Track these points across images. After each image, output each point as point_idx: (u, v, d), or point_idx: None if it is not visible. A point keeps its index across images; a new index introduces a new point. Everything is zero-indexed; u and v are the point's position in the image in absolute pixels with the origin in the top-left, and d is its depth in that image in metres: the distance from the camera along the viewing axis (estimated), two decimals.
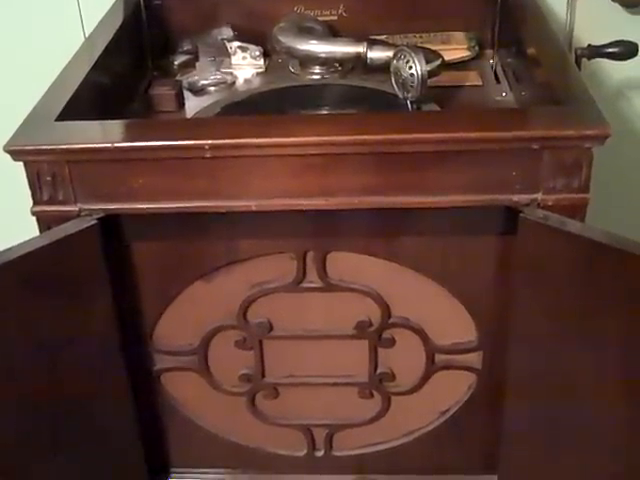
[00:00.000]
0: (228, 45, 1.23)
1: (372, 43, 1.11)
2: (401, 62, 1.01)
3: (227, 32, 1.26)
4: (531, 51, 1.05)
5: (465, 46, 1.23)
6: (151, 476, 1.08)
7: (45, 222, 0.89)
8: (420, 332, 0.98)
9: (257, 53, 1.22)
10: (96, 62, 1.03)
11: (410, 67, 0.99)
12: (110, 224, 0.89)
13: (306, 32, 1.19)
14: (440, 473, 1.09)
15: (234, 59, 1.23)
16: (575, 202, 0.86)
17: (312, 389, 1.04)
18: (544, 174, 0.85)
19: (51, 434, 0.95)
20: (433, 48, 1.14)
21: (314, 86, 1.16)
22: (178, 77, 1.20)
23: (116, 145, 0.85)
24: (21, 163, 0.86)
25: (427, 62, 1.00)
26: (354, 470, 1.10)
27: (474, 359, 1.00)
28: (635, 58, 1.17)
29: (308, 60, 1.17)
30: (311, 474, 1.10)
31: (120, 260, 0.93)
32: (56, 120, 0.89)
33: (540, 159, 0.84)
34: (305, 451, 1.09)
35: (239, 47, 1.22)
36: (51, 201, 0.88)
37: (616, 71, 1.34)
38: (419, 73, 0.99)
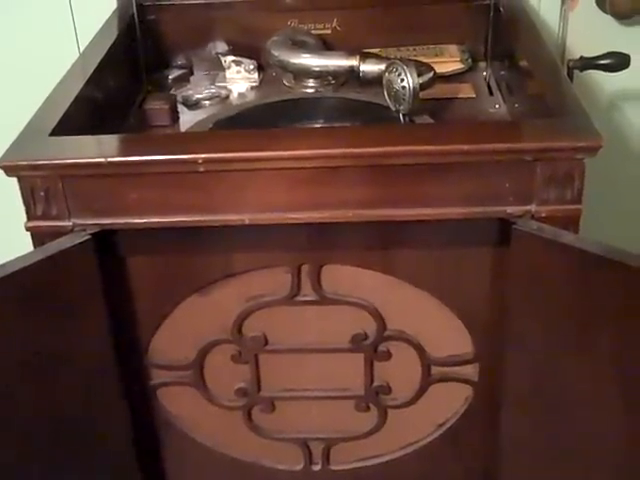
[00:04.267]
0: (222, 59, 1.23)
1: (365, 56, 1.11)
2: (393, 75, 1.02)
3: (221, 46, 1.27)
4: (524, 63, 1.06)
5: (458, 59, 1.24)
6: None
7: (39, 237, 0.89)
8: (416, 345, 0.98)
9: (251, 67, 1.22)
10: (90, 77, 1.03)
11: (402, 80, 1.00)
12: (104, 239, 0.89)
13: (300, 46, 1.19)
14: None
15: (228, 73, 1.23)
16: (568, 213, 0.86)
17: (308, 403, 1.04)
18: (537, 186, 0.85)
19: (47, 449, 0.94)
20: (426, 61, 1.15)
21: (308, 99, 1.17)
22: (172, 91, 1.21)
23: (110, 160, 0.85)
24: (15, 178, 0.86)
25: (419, 75, 1.01)
26: None
27: (470, 371, 1.00)
28: (627, 69, 1.17)
29: (302, 73, 1.18)
30: None
31: (115, 275, 0.93)
32: (50, 135, 0.89)
33: (533, 171, 0.84)
34: (302, 465, 1.09)
35: (233, 61, 1.23)
36: (45, 216, 0.87)
37: (608, 83, 1.35)
38: (411, 86, 0.99)
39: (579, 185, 0.85)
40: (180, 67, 1.27)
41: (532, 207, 0.86)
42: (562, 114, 0.89)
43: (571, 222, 0.86)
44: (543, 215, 0.86)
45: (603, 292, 0.82)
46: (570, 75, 1.14)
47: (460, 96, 1.16)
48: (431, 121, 1.05)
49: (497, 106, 1.13)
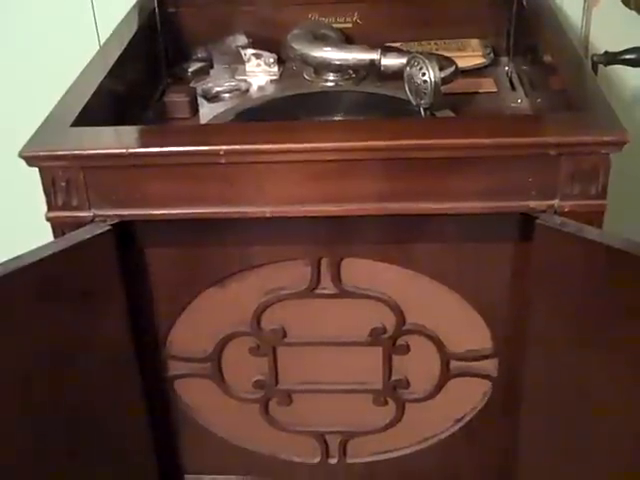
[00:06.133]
0: (242, 52, 1.23)
1: (386, 50, 1.11)
2: (414, 69, 1.01)
3: (241, 39, 1.26)
4: (547, 58, 1.05)
5: (480, 53, 1.23)
6: None
7: (59, 228, 0.89)
8: (435, 339, 0.98)
9: (271, 60, 1.22)
10: (111, 69, 1.03)
11: (423, 74, 0.99)
12: (124, 230, 0.89)
13: (320, 39, 1.19)
14: None
15: (248, 66, 1.23)
16: (592, 209, 0.86)
17: (326, 396, 1.04)
18: (561, 180, 0.84)
19: (65, 440, 0.95)
20: (448, 55, 1.14)
21: (328, 93, 1.17)
22: (192, 84, 1.20)
23: (130, 151, 0.85)
24: (36, 169, 0.86)
25: (441, 69, 1.01)
26: (368, 477, 1.09)
27: (489, 366, 0.99)
28: None
29: (322, 67, 1.17)
30: None
31: (134, 266, 0.93)
32: (71, 126, 0.90)
33: (557, 165, 0.84)
34: (319, 458, 1.09)
35: (253, 54, 1.22)
36: (65, 207, 0.88)
37: (632, 78, 1.33)
38: (432, 80, 0.99)
39: (604, 180, 0.84)
40: (200, 60, 1.27)
41: (555, 202, 0.85)
42: (587, 108, 0.89)
43: (595, 217, 0.85)
44: (566, 210, 0.85)
45: (626, 288, 0.81)
46: (594, 70, 1.13)
47: (482, 91, 1.15)
48: (453, 115, 1.04)
49: (519, 101, 1.12)
